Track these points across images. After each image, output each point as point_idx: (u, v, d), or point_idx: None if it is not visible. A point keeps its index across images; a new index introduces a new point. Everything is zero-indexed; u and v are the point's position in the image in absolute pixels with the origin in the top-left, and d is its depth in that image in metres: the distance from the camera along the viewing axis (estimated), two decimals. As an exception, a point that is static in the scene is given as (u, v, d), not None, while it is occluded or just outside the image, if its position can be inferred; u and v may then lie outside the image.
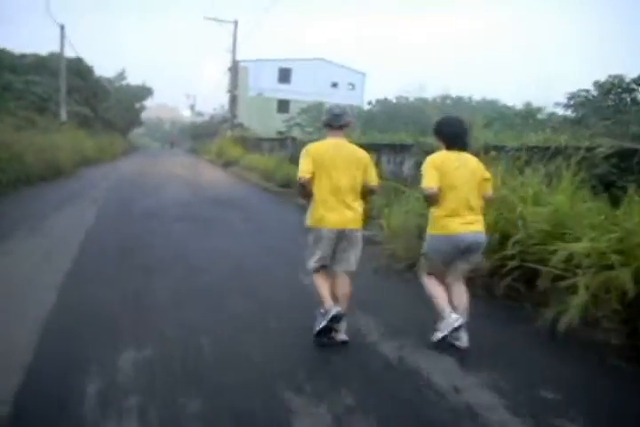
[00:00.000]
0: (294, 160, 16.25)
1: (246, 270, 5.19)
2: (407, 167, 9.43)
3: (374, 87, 72.39)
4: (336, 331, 3.33)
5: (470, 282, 4.13)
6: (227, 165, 22.24)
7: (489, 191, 3.50)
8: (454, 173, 3.27)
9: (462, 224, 3.24)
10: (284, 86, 47.47)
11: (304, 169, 3.32)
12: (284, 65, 47.94)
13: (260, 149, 21.86)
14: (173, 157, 33.89)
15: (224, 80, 54.51)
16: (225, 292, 4.43)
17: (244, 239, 6.77)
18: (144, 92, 45.31)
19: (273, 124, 41.83)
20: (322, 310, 3.32)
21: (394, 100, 43.41)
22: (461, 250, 3.28)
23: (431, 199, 3.32)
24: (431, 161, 3.34)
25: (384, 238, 5.77)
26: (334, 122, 3.42)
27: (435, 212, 3.34)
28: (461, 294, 3.44)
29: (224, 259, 5.60)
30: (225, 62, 44.44)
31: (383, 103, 43.42)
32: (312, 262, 3.42)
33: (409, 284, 4.43)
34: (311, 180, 3.31)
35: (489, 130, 12.42)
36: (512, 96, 36.37)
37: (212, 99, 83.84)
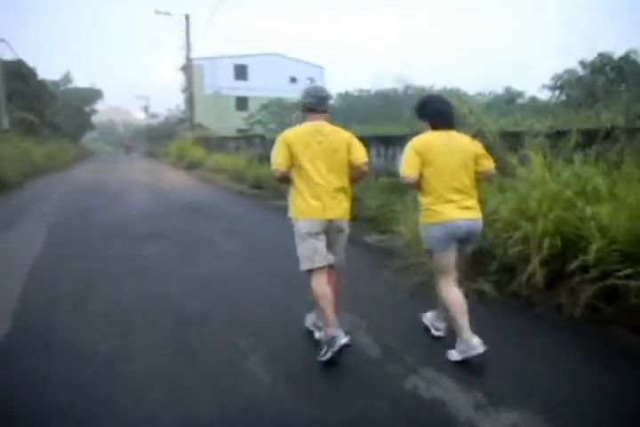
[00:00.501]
0: (265, 159, 15.35)
1: (252, 317, 3.77)
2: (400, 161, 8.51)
3: (333, 82, 71.64)
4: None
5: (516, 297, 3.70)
6: (190, 167, 20.88)
7: (489, 168, 3.14)
8: (442, 155, 2.97)
9: (457, 210, 2.96)
10: (241, 83, 46.04)
11: (278, 161, 3.04)
12: (240, 61, 46.49)
13: (225, 148, 20.62)
14: (131, 161, 31.99)
15: (178, 79, 52.78)
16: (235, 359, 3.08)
17: (235, 261, 5.52)
18: (93, 94, 42.99)
19: (232, 123, 40.52)
20: (320, 330, 3.05)
21: (355, 94, 42.57)
22: (460, 239, 2.99)
23: (411, 187, 3.14)
24: (412, 145, 3.03)
25: (406, 249, 4.81)
26: (319, 106, 3.12)
27: (424, 199, 3.05)
28: (459, 295, 3.04)
29: (220, 301, 4.12)
30: (178, 61, 42.77)
31: (344, 97, 42.59)
32: (306, 260, 3.07)
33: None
34: (288, 171, 3.05)
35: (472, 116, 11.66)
36: (471, 87, 35.96)
37: (165, 99, 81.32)
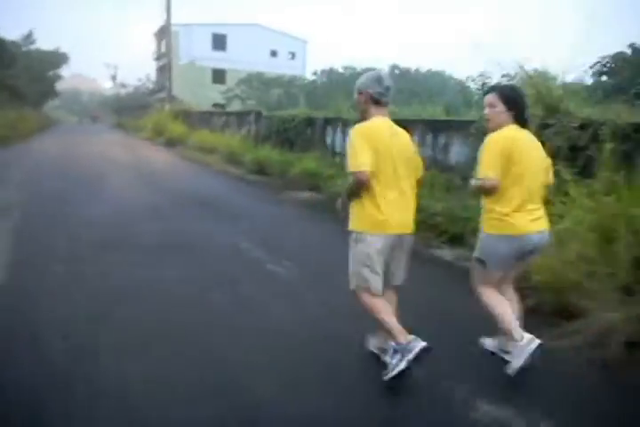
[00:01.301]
0: (265, 139, 13.77)
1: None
2: (456, 153, 7.03)
3: (317, 57, 69.09)
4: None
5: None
6: (170, 144, 18.88)
7: (551, 179, 2.86)
8: (527, 158, 2.61)
9: (531, 221, 2.62)
10: (218, 54, 43.39)
11: (364, 161, 2.48)
12: (219, 30, 43.69)
13: (209, 125, 18.69)
14: (100, 134, 29.45)
15: (151, 46, 49.49)
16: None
17: (306, 302, 3.74)
18: (58, 58, 39.51)
19: (208, 96, 38.18)
20: (393, 345, 2.54)
21: (341, 70, 40.62)
22: (526, 252, 2.69)
23: (488, 193, 2.63)
24: (495, 141, 2.61)
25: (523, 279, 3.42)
26: (384, 96, 2.65)
27: (497, 206, 2.63)
28: (515, 302, 2.84)
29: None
30: (151, 27, 39.84)
31: (329, 74, 40.64)
32: (375, 284, 2.62)
33: None
34: (373, 175, 2.52)
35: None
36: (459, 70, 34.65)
37: (136, 68, 77.00)
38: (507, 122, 2.68)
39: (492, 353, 2.89)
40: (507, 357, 2.72)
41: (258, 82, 39.02)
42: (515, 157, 2.57)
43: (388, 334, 2.60)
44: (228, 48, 43.88)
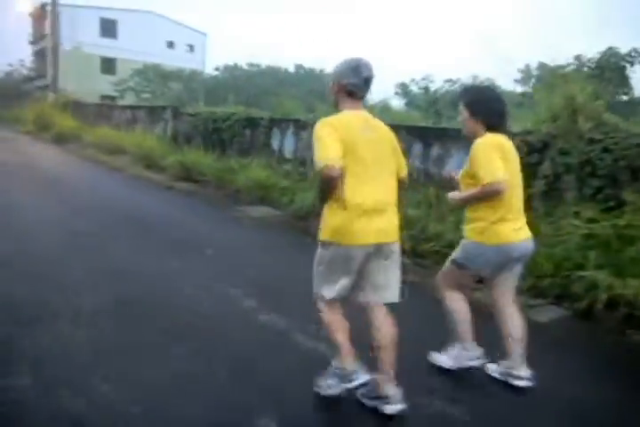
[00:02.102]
0: (187, 140, 11.89)
1: None
2: (453, 166, 5.98)
3: (217, 52, 65.80)
4: (381, 397, 2.29)
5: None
6: (61, 141, 16.05)
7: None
8: (512, 163, 2.53)
9: (514, 231, 2.54)
10: (108, 41, 39.47)
11: (333, 154, 2.11)
12: (108, 15, 39.72)
13: (109, 120, 16.21)
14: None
15: (25, 28, 43.65)
16: None
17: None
18: None
19: (96, 87, 34.53)
20: (336, 367, 2.39)
21: (245, 67, 38.79)
22: (512, 261, 2.59)
23: (495, 196, 2.43)
24: (489, 144, 2.47)
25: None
26: (363, 90, 2.33)
27: (485, 213, 2.50)
28: (518, 319, 2.66)
29: None
30: (24, 4, 34.95)
31: (232, 69, 38.62)
32: (328, 292, 2.33)
33: None
34: (342, 171, 2.14)
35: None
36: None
37: (4, 52, 68.15)
38: (477, 129, 2.56)
39: (498, 379, 2.70)
40: (515, 381, 2.61)
41: (155, 74, 36.01)
42: (505, 160, 2.44)
43: (336, 352, 2.40)
44: (120, 36, 40.07)
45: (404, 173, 2.47)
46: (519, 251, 2.55)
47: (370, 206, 2.20)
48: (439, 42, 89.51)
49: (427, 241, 5.09)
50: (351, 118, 2.28)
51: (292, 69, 40.50)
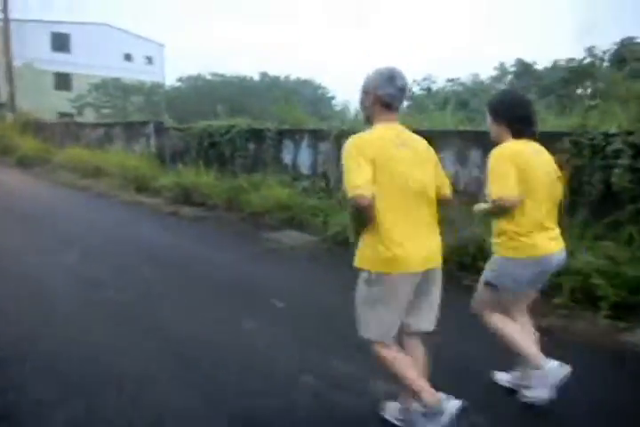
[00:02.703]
0: (176, 157, 10.80)
1: None
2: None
3: (176, 63, 63.96)
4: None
5: None
6: (26, 165, 14.60)
7: (561, 194, 2.52)
8: (538, 171, 2.34)
9: (550, 240, 2.37)
10: (61, 56, 37.61)
11: (362, 181, 1.91)
12: (59, 29, 37.81)
13: (78, 139, 14.89)
14: None
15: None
16: None
17: None
18: None
19: (51, 104, 32.75)
20: (419, 407, 2.11)
21: (208, 77, 37.56)
22: (542, 275, 2.42)
23: (506, 213, 2.31)
24: (503, 155, 2.31)
25: None
26: (397, 100, 2.12)
27: (510, 227, 2.33)
28: (531, 331, 2.53)
29: None
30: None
31: (195, 80, 37.35)
32: (379, 331, 2.10)
33: None
34: (374, 199, 1.93)
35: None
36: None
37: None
38: (502, 135, 2.43)
39: (511, 389, 2.55)
40: (527, 392, 2.40)
41: (115, 88, 34.45)
42: (524, 171, 2.27)
43: (411, 393, 2.13)
44: (74, 50, 38.27)
45: (447, 190, 2.27)
46: (553, 263, 2.41)
47: (411, 231, 2.03)
48: (421, 42, 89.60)
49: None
50: (384, 134, 2.07)
51: (257, 78, 39.53)
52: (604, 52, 11.97)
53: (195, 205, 8.21)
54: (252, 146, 8.65)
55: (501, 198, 2.24)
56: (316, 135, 7.46)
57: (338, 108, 44.26)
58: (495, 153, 2.34)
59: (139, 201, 8.76)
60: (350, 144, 2.02)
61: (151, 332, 3.31)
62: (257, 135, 8.49)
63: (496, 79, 23.73)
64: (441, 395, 2.10)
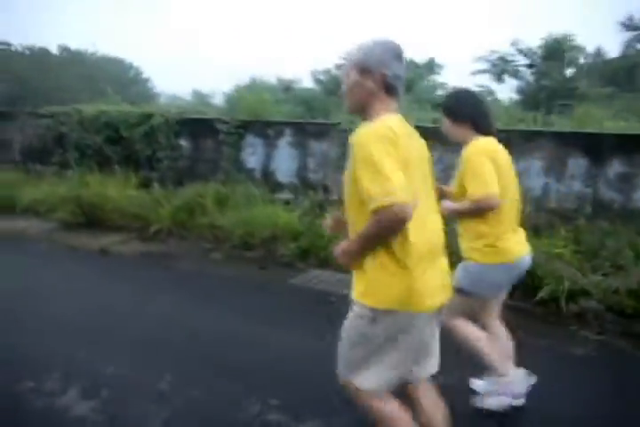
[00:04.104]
0: (29, 158, 7.30)
1: None
2: None
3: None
4: None
5: None
6: None
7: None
8: (507, 169, 2.25)
9: (519, 244, 2.28)
10: None
11: (399, 185, 1.40)
12: None
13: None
14: None
15: None
16: None
17: None
18: None
19: None
20: None
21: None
22: (514, 279, 2.32)
23: (485, 213, 2.15)
24: (480, 151, 2.16)
25: None
26: (402, 84, 1.64)
27: (486, 228, 2.19)
28: (507, 337, 2.42)
29: None
30: None
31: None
32: (373, 381, 1.62)
33: None
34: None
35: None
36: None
37: None
38: (467, 136, 2.25)
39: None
40: (486, 399, 2.38)
41: None
42: (500, 167, 2.16)
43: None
44: None
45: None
46: (526, 266, 2.32)
47: (430, 251, 1.55)
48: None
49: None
50: (401, 126, 1.55)
51: (55, 52, 33.07)
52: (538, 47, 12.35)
53: (110, 229, 5.53)
54: (185, 144, 6.22)
55: (487, 197, 2.08)
56: (307, 131, 5.52)
57: (157, 92, 40.11)
58: (470, 150, 2.18)
59: (11, 230, 5.60)
60: (373, 135, 1.46)
61: None
62: (195, 129, 6.11)
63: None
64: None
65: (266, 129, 5.76)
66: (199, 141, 6.15)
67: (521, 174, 4.75)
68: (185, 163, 6.25)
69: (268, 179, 5.76)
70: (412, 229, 1.48)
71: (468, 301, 2.27)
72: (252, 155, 5.86)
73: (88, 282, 4.09)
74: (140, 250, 4.97)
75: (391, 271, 1.50)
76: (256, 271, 4.51)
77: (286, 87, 22.95)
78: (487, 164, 2.11)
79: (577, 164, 4.44)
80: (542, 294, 3.61)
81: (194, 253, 4.96)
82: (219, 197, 5.49)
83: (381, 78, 1.57)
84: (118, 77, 36.79)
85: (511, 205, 2.24)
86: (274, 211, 5.20)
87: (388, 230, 1.43)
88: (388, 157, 1.42)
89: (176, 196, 5.67)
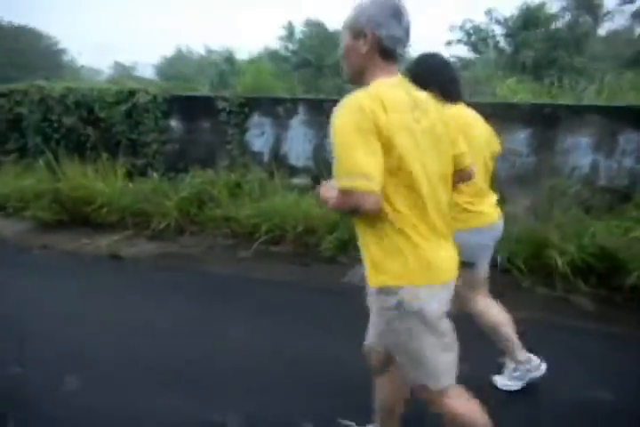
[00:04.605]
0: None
1: None
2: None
3: None
4: None
5: None
6: None
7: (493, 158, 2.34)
8: (478, 135, 2.15)
9: (494, 207, 2.24)
10: None
11: (369, 168, 1.27)
12: None
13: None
14: None
15: None
16: None
17: None
18: None
19: None
20: None
21: None
22: (493, 245, 2.28)
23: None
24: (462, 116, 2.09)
25: None
26: (401, 45, 1.43)
27: (459, 196, 2.06)
28: (498, 307, 2.30)
29: None
30: None
31: None
32: (443, 378, 1.48)
33: None
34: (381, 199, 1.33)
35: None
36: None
37: None
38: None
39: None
40: (500, 378, 2.40)
41: None
42: (467, 134, 1.91)
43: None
44: None
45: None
46: (500, 230, 2.26)
47: (433, 223, 1.43)
48: None
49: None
50: (397, 94, 1.36)
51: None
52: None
53: (101, 228, 4.77)
54: (177, 125, 5.46)
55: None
56: (324, 108, 4.95)
57: (72, 63, 36.82)
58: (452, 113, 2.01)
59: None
60: (348, 107, 1.30)
61: None
62: (187, 108, 5.36)
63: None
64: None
65: (274, 107, 5.13)
66: (193, 122, 5.41)
67: (567, 151, 4.65)
68: (176, 147, 5.50)
69: (279, 163, 5.16)
70: (405, 206, 1.37)
71: (473, 272, 2.20)
72: (259, 136, 5.23)
73: (124, 300, 3.39)
74: (154, 252, 4.28)
75: (402, 245, 1.38)
76: (298, 270, 3.99)
77: (226, 58, 21.58)
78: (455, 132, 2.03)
79: (628, 139, 4.23)
80: (631, 280, 3.40)
81: (215, 251, 4.34)
82: (229, 186, 4.85)
83: (375, 40, 1.38)
84: (33, 48, 33.65)
85: (479, 172, 2.09)
86: (295, 199, 4.66)
87: (352, 212, 1.34)
88: (359, 137, 1.27)
89: (177, 185, 4.96)
